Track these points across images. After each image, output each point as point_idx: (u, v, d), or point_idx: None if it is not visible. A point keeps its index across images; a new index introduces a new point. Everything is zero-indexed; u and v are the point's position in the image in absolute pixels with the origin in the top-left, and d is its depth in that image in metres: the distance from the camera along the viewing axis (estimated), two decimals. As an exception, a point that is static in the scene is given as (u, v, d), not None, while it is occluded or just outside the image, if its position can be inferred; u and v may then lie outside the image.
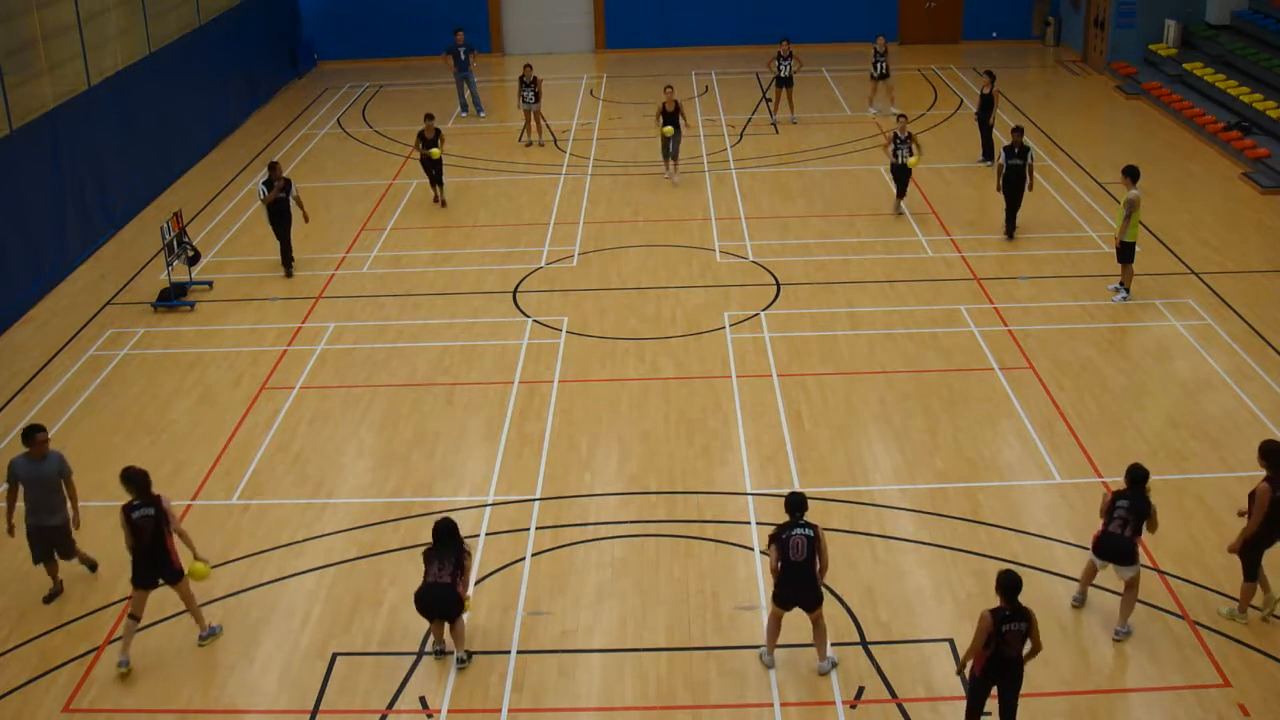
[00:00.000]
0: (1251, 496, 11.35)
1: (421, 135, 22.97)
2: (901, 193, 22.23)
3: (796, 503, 11.01)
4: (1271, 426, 14.95)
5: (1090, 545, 11.61)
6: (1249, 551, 11.43)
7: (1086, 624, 11.66)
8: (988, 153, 24.80)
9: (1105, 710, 10.65)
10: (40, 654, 11.75)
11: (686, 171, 24.85)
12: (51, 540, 12.30)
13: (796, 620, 11.77)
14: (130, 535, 11.33)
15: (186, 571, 11.57)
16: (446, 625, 11.39)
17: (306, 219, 20.65)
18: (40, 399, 16.66)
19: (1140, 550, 11.53)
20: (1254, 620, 11.61)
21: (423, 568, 11.32)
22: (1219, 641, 11.38)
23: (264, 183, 20.14)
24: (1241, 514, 11.65)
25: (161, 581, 11.50)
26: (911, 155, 21.77)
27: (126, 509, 11.32)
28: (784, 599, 10.98)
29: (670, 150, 23.95)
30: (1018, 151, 20.32)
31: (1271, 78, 26.52)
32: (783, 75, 27.66)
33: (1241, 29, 29.53)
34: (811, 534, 10.87)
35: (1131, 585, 11.43)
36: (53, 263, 20.58)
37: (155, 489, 11.63)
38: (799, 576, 10.87)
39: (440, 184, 23.46)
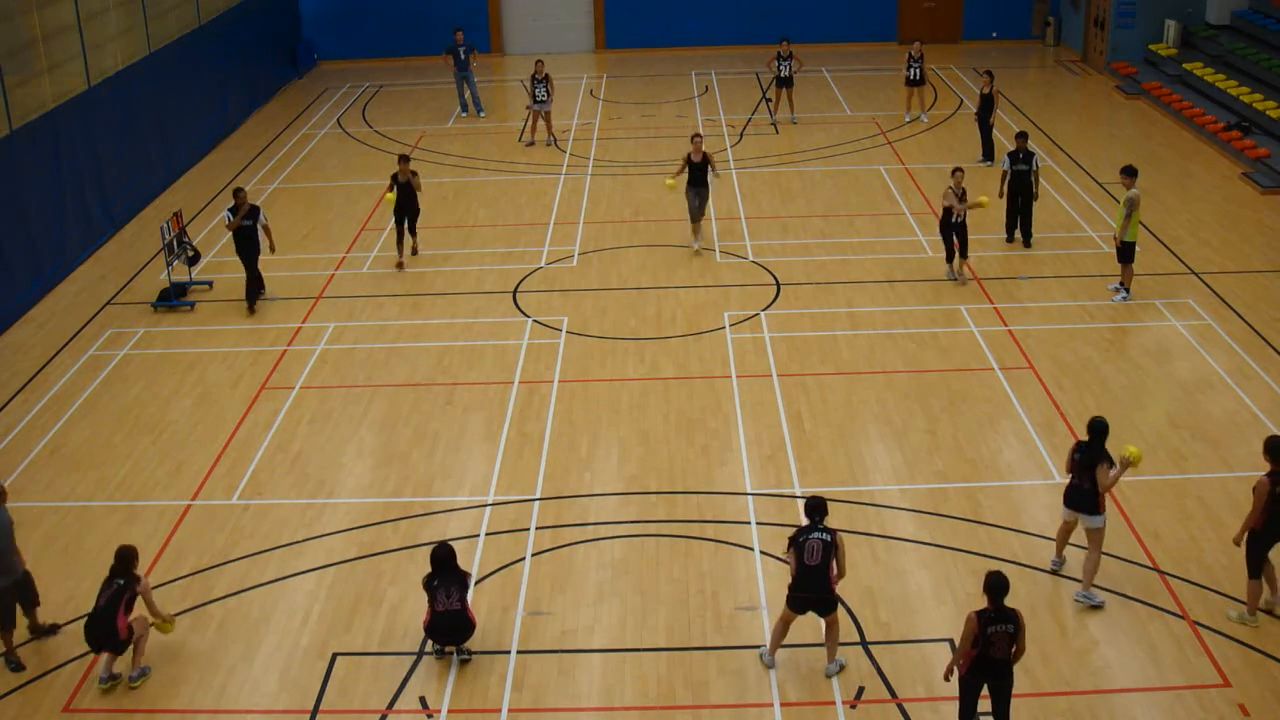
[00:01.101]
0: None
1: (394, 179, 20.10)
2: (959, 252, 19.08)
3: (815, 506, 11.02)
4: (1272, 426, 14.94)
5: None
6: (1253, 548, 11.43)
7: (1087, 624, 11.66)
8: (988, 153, 24.79)
9: (1105, 710, 10.65)
10: (40, 654, 11.75)
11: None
12: (17, 597, 11.67)
13: (799, 621, 11.77)
14: (97, 596, 11.25)
15: (154, 626, 11.46)
16: None
17: (273, 248, 19.21)
18: (40, 399, 16.66)
19: (1100, 503, 11.71)
20: (1259, 622, 11.60)
21: (425, 594, 11.29)
22: (1219, 641, 11.38)
23: (229, 209, 19.03)
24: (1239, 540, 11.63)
25: (103, 651, 11.27)
26: (968, 205, 18.93)
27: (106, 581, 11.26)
28: (797, 603, 10.98)
29: (697, 207, 20.54)
30: (1022, 157, 20.24)
31: (1271, 78, 26.52)
32: (783, 75, 27.64)
33: (1241, 29, 29.53)
34: (828, 539, 10.86)
35: (1094, 541, 11.67)
36: (53, 263, 20.58)
37: (137, 567, 11.36)
38: (813, 580, 10.86)
39: (414, 231, 20.64)
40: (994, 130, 24.92)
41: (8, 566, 11.52)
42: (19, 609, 11.73)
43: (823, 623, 11.14)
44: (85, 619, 11.29)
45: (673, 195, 23.62)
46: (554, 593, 12.36)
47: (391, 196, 20.09)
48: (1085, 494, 11.72)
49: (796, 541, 10.94)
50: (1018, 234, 20.65)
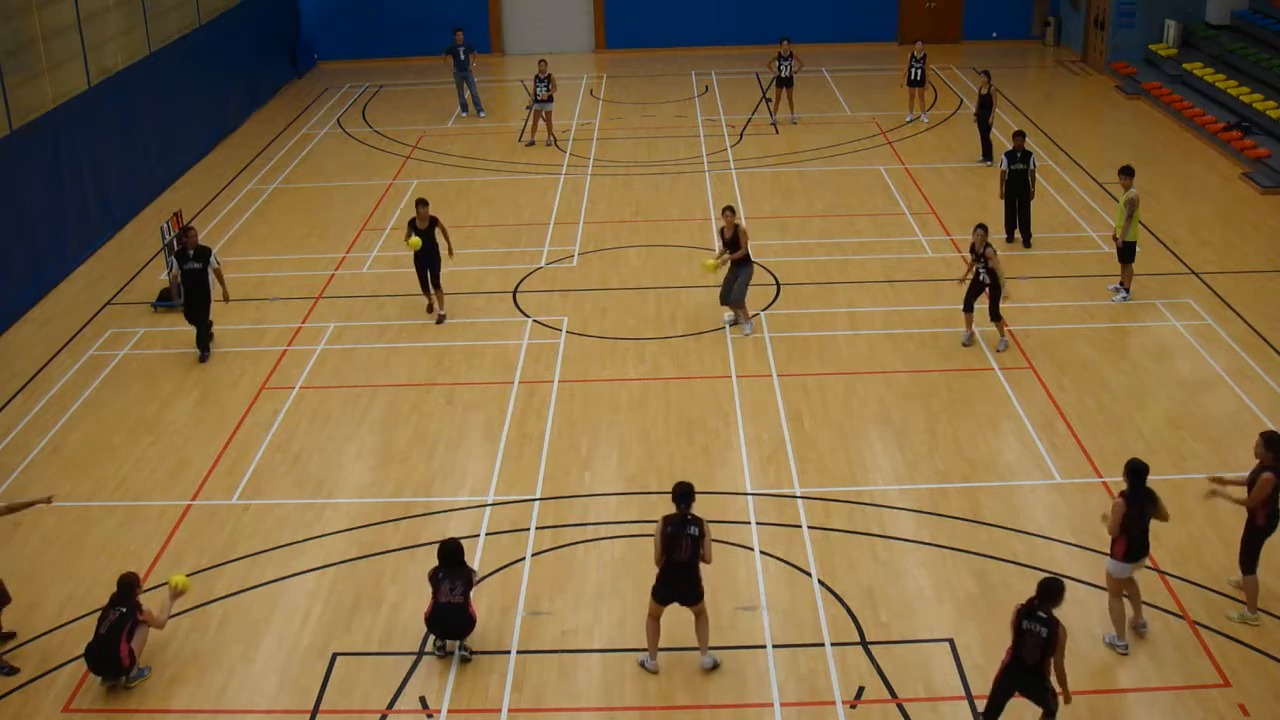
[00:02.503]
0: (1251, 482, 11.30)
1: (413, 224, 18.15)
2: (990, 313, 17.00)
3: (682, 494, 10.99)
4: (1271, 426, 14.90)
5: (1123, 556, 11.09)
6: (1249, 544, 11.44)
7: (1086, 624, 11.65)
8: (987, 153, 24.80)
9: (1105, 710, 10.65)
10: (40, 654, 11.75)
11: (686, 172, 24.84)
12: None
13: (798, 619, 11.78)
14: (97, 623, 11.26)
15: (170, 583, 11.53)
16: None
17: (226, 297, 17.51)
18: (40, 399, 16.66)
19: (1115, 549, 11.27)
20: (1261, 620, 11.60)
21: (430, 587, 11.35)
22: (1219, 641, 11.38)
23: (175, 253, 17.20)
24: (1214, 479, 11.71)
25: (106, 679, 11.28)
26: (994, 274, 16.65)
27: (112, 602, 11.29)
28: (663, 596, 11.02)
29: (734, 293, 17.53)
30: (1019, 156, 20.28)
31: (1271, 78, 26.52)
32: (783, 75, 27.63)
33: (1241, 29, 29.54)
34: (696, 533, 10.87)
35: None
36: (53, 263, 20.58)
37: (138, 592, 11.36)
38: (682, 576, 10.92)
39: (438, 285, 18.39)
40: (993, 130, 24.92)
41: None
42: None
43: (693, 616, 11.12)
44: (86, 645, 11.21)
45: (671, 196, 23.67)
46: (554, 593, 12.36)
47: (416, 241, 17.88)
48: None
49: (665, 534, 10.89)
50: (1017, 234, 20.65)
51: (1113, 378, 16.24)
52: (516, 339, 17.83)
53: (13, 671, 11.47)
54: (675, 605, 11.10)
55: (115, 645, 11.09)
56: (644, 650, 11.32)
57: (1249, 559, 11.49)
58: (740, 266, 17.33)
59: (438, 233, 18.16)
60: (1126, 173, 18.19)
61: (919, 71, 27.57)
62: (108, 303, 19.72)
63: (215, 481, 14.58)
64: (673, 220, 22.29)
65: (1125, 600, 11.26)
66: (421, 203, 18.34)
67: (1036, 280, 19.27)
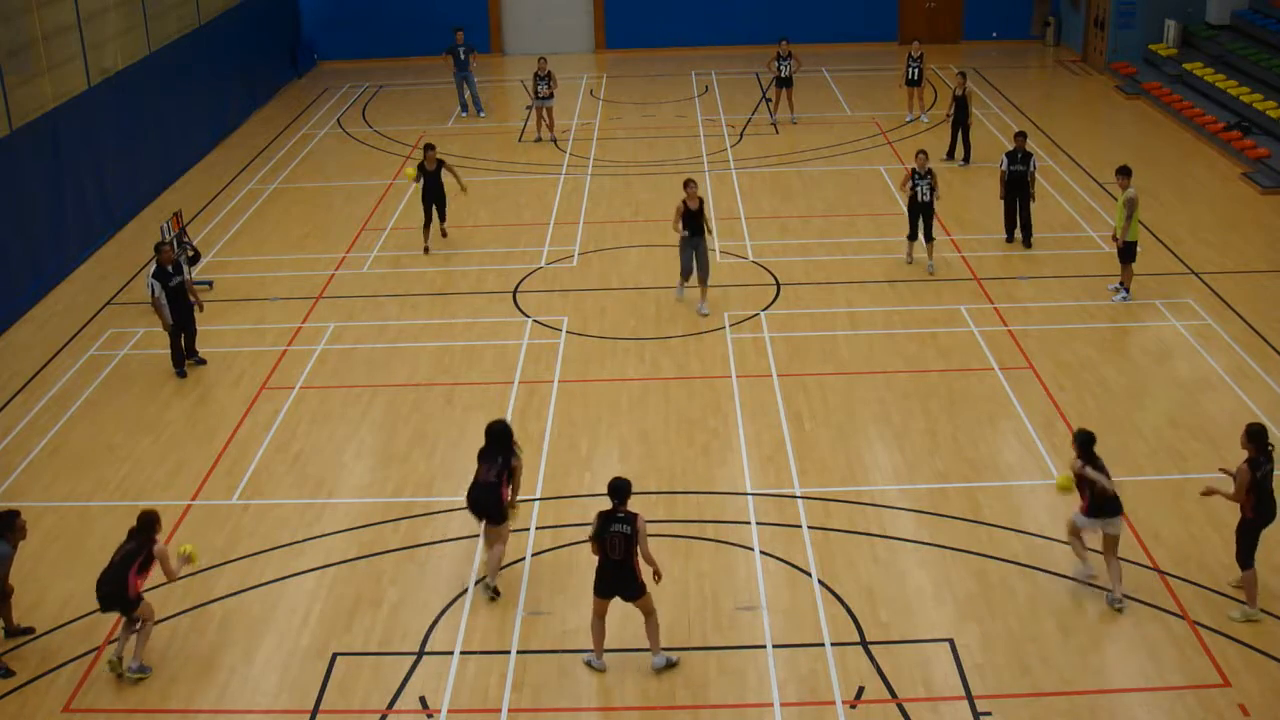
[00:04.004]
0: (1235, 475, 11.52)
1: (422, 167, 20.68)
2: (919, 234, 19.30)
3: (615, 489, 10.97)
4: (1271, 426, 14.91)
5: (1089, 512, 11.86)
6: (1244, 539, 11.51)
7: (1086, 624, 11.66)
8: (951, 153, 24.87)
9: (1105, 710, 10.65)
10: (40, 654, 11.75)
11: (686, 172, 24.84)
12: None
13: (797, 619, 11.78)
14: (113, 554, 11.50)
15: (180, 550, 11.70)
16: (492, 555, 12.20)
17: (200, 307, 17.31)
18: (40, 399, 16.66)
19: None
20: (1261, 616, 11.60)
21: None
22: (1219, 641, 11.38)
23: (153, 275, 16.68)
24: (1206, 493, 11.85)
25: (111, 611, 11.47)
26: (934, 192, 19.11)
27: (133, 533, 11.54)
28: (601, 590, 11.05)
29: (698, 263, 18.28)
30: (1020, 157, 20.25)
31: (1271, 78, 26.52)
32: (782, 75, 27.63)
33: (1241, 29, 29.53)
34: (629, 530, 10.84)
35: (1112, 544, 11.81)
36: (53, 263, 20.58)
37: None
38: (617, 574, 10.96)
39: (443, 218, 21.25)
40: (970, 131, 24.74)
41: None
42: None
43: (641, 616, 11.13)
44: (97, 579, 11.42)
45: (671, 196, 23.61)
46: (554, 593, 12.36)
47: (411, 171, 20.96)
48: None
49: (599, 535, 10.90)
50: (1018, 234, 20.64)
51: (1113, 378, 16.24)
52: (516, 339, 17.83)
53: (9, 674, 11.47)
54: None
55: (124, 575, 11.21)
56: (646, 649, 11.33)
57: (1244, 553, 11.53)
58: (702, 238, 18.08)
59: (444, 173, 20.58)
60: (1124, 173, 18.19)
61: (916, 71, 27.59)
62: (108, 303, 19.72)
63: (215, 481, 14.58)
64: (673, 220, 22.24)
65: (1088, 554, 12.19)
66: (429, 147, 20.93)
67: (1036, 280, 19.27)
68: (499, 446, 12.27)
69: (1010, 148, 20.73)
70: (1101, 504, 11.73)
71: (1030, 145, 20.95)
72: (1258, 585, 11.63)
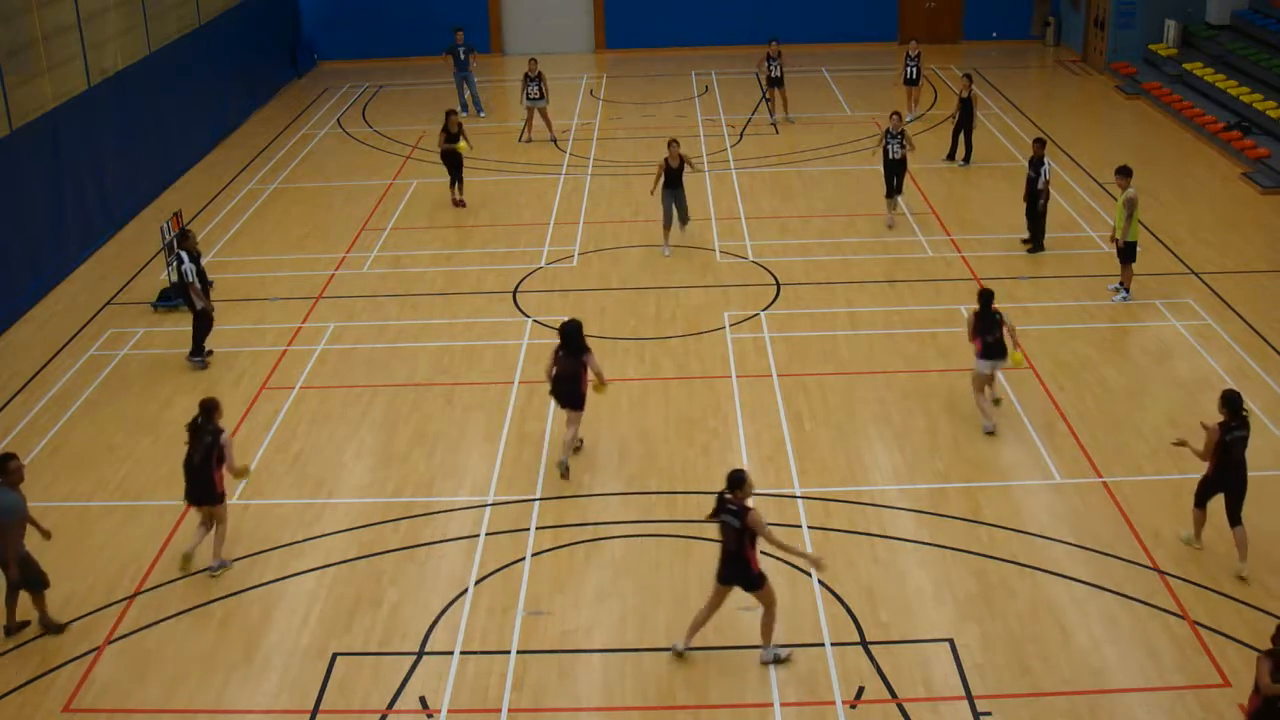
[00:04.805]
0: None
1: (446, 129, 22.65)
2: (894, 189, 21.50)
3: (730, 479, 10.98)
4: (1271, 427, 14.96)
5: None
6: (1202, 490, 12.53)
7: (1087, 624, 11.67)
8: (953, 154, 24.87)
9: (1105, 710, 10.65)
10: (40, 654, 11.75)
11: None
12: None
13: (797, 619, 11.79)
14: (189, 450, 12.58)
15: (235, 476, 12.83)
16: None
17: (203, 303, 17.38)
18: (40, 399, 16.66)
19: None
20: (1253, 620, 11.61)
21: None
22: (1219, 641, 11.38)
23: (190, 259, 17.15)
24: (1178, 444, 12.77)
25: (202, 505, 12.69)
26: (904, 149, 21.24)
27: (190, 426, 12.64)
28: (721, 576, 11.13)
29: (677, 210, 20.70)
30: (1032, 163, 20.06)
31: (1271, 78, 26.53)
32: (773, 75, 27.69)
33: (1241, 29, 29.54)
34: (737, 524, 10.86)
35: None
36: (53, 263, 20.58)
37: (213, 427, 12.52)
38: (732, 563, 11.01)
39: (460, 180, 23.19)
40: (972, 133, 24.71)
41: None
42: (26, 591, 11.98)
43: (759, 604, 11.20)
44: (185, 469, 12.51)
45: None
46: (554, 593, 12.36)
47: (464, 145, 22.71)
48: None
49: (712, 517, 11.08)
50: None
51: (1113, 378, 16.24)
52: (516, 339, 17.84)
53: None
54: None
55: (210, 471, 12.46)
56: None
57: (1199, 497, 12.59)
58: (681, 190, 20.66)
59: (464, 135, 22.89)
60: (1124, 173, 18.19)
61: (914, 70, 27.63)
62: (108, 303, 19.73)
63: (215, 481, 14.57)
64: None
65: (987, 392, 15.03)
66: (451, 112, 22.99)
67: (1036, 280, 19.28)
68: (572, 344, 14.03)
69: (1031, 155, 20.36)
70: (989, 350, 14.66)
71: (1044, 153, 20.19)
72: (1204, 524, 12.61)
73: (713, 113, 29.53)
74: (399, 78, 34.15)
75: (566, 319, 14.37)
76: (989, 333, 14.59)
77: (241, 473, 12.79)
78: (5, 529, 11.55)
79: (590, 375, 14.16)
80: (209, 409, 12.57)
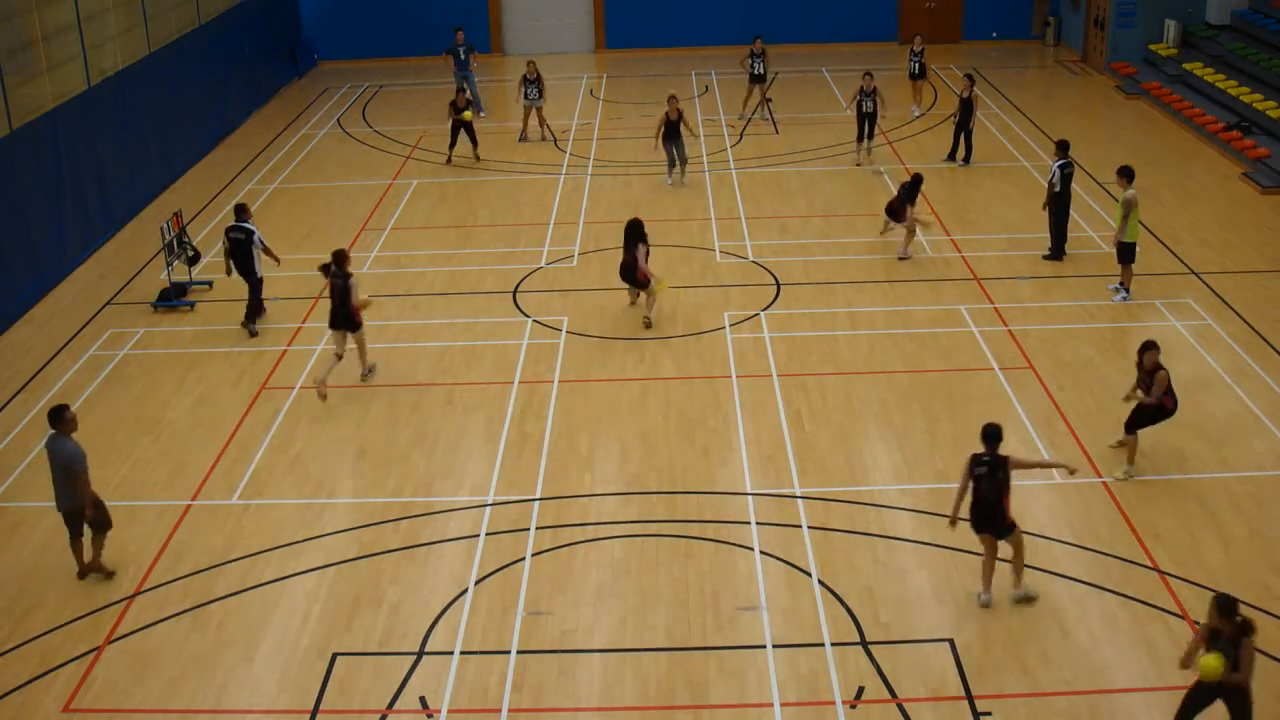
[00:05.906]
0: (1151, 377, 13.51)
1: (454, 104, 25.18)
2: (864, 135, 24.37)
3: (984, 433, 11.68)
4: (1271, 426, 14.96)
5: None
6: (1145, 417, 13.66)
7: (1086, 624, 11.66)
8: (952, 154, 24.87)
9: (1105, 710, 10.65)
10: (40, 654, 11.76)
11: (686, 172, 24.85)
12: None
13: (799, 621, 11.79)
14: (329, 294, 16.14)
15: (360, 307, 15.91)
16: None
17: (276, 260, 19.06)
18: (40, 399, 16.65)
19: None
20: (1253, 620, 11.58)
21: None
22: (1219, 641, 11.37)
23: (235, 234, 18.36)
24: (1129, 398, 13.83)
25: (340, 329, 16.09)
26: (874, 104, 24.11)
27: (325, 268, 16.25)
28: (975, 524, 11.80)
29: (678, 153, 23.86)
30: (1053, 164, 19.89)
31: (1271, 78, 26.53)
32: (756, 72, 27.73)
33: (1241, 29, 29.54)
34: (985, 472, 11.57)
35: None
36: (53, 263, 20.58)
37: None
38: (984, 511, 11.70)
39: (475, 142, 25.78)
40: (972, 133, 24.70)
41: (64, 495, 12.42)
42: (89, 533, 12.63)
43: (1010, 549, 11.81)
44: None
45: (671, 196, 23.67)
46: (554, 593, 12.36)
47: (469, 114, 25.31)
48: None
49: (971, 472, 11.70)
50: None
51: (1113, 378, 16.24)
52: (516, 339, 17.84)
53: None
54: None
55: (348, 305, 15.99)
56: (646, 650, 11.34)
57: (1134, 423, 13.70)
58: (680, 139, 23.48)
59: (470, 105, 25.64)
60: (1124, 173, 18.19)
61: (918, 65, 27.66)
62: (108, 303, 19.72)
63: (215, 481, 14.58)
64: (673, 220, 22.29)
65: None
66: (459, 91, 26.26)
67: (1036, 280, 19.28)
68: (634, 236, 17.51)
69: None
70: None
71: (1058, 156, 19.83)
72: (1136, 450, 13.70)
73: (713, 113, 29.53)
74: (399, 78, 34.15)
75: (632, 218, 17.91)
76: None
77: (365, 304, 16.33)
78: (76, 476, 12.25)
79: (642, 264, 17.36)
80: (340, 258, 16.08)
